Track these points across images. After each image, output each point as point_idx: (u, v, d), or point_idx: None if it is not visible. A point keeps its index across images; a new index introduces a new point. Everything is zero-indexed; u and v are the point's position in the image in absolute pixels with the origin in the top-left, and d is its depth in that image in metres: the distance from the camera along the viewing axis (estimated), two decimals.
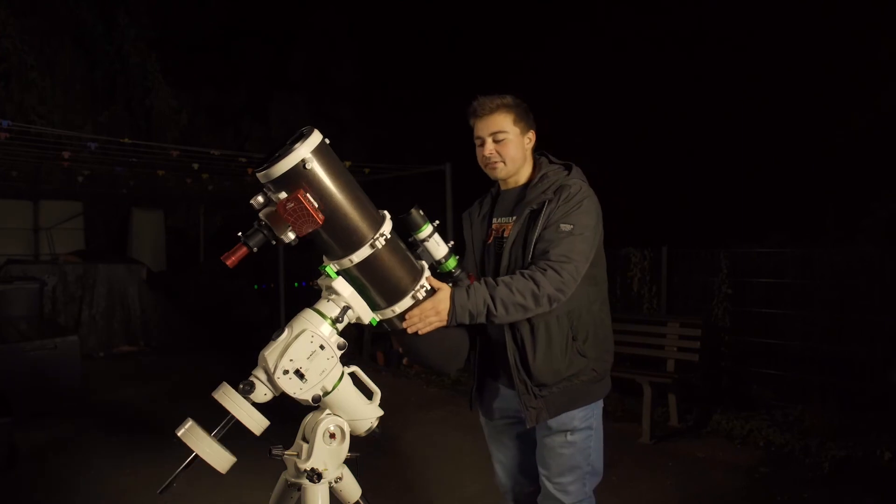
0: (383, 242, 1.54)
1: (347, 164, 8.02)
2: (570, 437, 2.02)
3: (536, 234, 1.94)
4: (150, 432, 5.14)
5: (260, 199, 1.42)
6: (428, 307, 1.69)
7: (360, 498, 1.71)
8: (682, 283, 6.07)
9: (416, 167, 7.78)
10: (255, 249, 1.43)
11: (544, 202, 1.97)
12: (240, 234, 1.43)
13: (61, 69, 10.52)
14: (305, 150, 1.39)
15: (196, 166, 7.50)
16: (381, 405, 1.69)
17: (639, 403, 4.96)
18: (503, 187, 2.15)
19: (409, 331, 1.69)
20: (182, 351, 8.45)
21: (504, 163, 2.03)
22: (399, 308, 1.66)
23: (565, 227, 1.90)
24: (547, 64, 12.84)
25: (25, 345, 5.29)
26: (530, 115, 2.08)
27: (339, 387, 1.58)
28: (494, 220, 2.14)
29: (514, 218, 2.03)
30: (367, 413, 1.63)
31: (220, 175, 8.74)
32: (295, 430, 1.66)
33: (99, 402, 5.81)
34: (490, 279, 1.87)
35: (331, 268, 1.54)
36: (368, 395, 1.67)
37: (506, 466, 2.27)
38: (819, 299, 5.22)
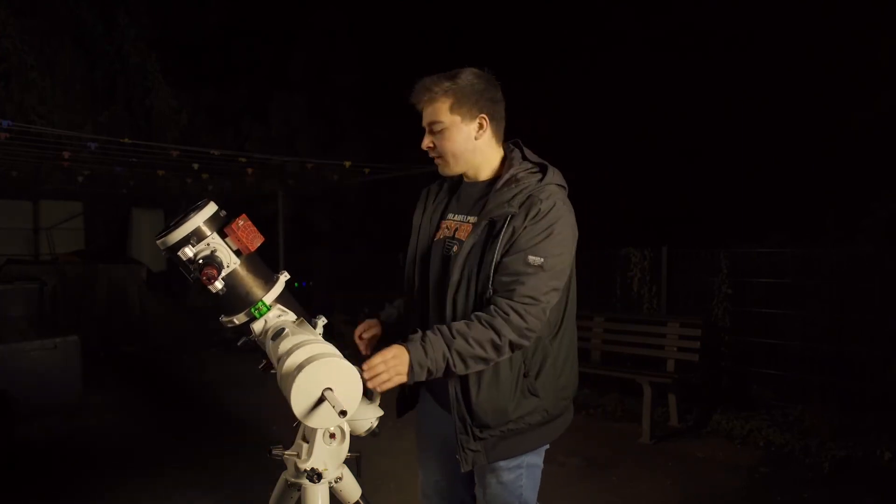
0: (287, 275, 1.65)
1: (347, 164, 8.08)
2: (498, 479, 1.81)
3: (496, 257, 1.66)
4: (150, 432, 5.15)
5: (188, 251, 1.47)
6: (389, 357, 1.55)
7: (360, 498, 1.71)
8: (682, 283, 6.06)
9: (416, 167, 7.78)
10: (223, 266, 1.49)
11: (507, 216, 1.67)
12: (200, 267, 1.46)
13: (61, 69, 10.52)
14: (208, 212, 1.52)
15: (196, 166, 7.50)
16: (381, 405, 1.69)
17: (639, 403, 4.97)
18: (465, 179, 1.87)
19: (372, 385, 1.55)
20: (182, 351, 8.45)
21: (443, 158, 1.77)
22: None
23: (534, 260, 1.62)
24: (547, 64, 12.85)
25: (25, 345, 5.29)
26: (484, 96, 1.74)
27: None
28: (450, 215, 1.86)
29: (473, 221, 1.76)
30: (367, 413, 1.63)
31: (220, 175, 8.75)
32: (294, 431, 1.65)
33: (99, 402, 5.81)
34: (445, 329, 1.61)
35: (262, 301, 1.56)
36: (369, 395, 1.67)
37: (430, 475, 2.05)
38: (819, 299, 5.22)
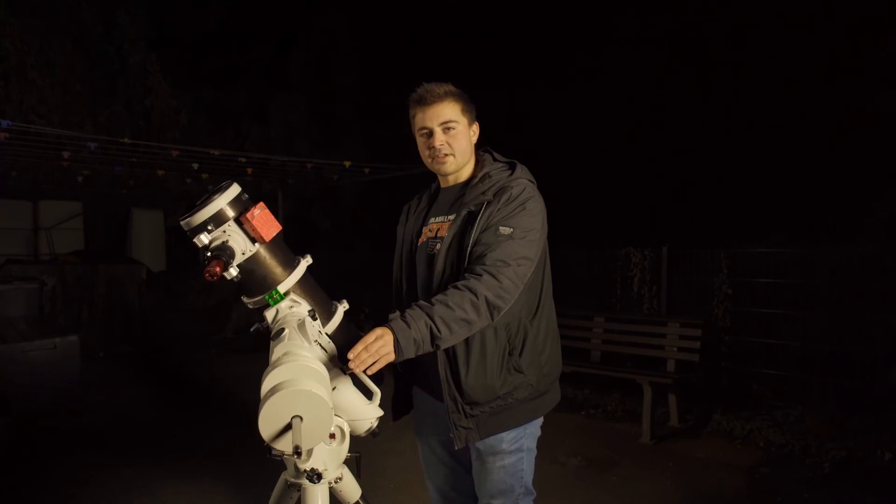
0: (310, 259, 1.65)
1: (347, 164, 8.06)
2: (500, 462, 1.88)
3: (473, 238, 1.78)
4: (150, 432, 5.15)
5: (204, 239, 1.47)
6: (371, 340, 1.53)
7: (360, 498, 1.72)
8: (682, 283, 6.06)
9: (416, 167, 7.78)
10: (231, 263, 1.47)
11: (482, 204, 1.82)
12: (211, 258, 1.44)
13: (61, 69, 10.53)
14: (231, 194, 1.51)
15: (196, 166, 7.50)
16: (381, 405, 1.69)
17: (639, 403, 4.96)
18: (443, 185, 2.01)
19: (358, 369, 1.55)
20: (182, 351, 8.45)
21: (454, 155, 1.90)
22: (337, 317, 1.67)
23: (504, 231, 1.75)
24: (547, 64, 12.85)
25: (25, 345, 5.29)
26: (473, 106, 1.95)
27: (339, 388, 1.58)
28: (431, 219, 1.99)
29: (452, 218, 1.88)
30: (367, 413, 1.63)
31: (220, 175, 8.73)
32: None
33: (99, 402, 5.81)
34: (422, 301, 1.68)
35: (277, 290, 1.55)
36: (368, 395, 1.66)
37: (438, 485, 2.14)
38: (819, 299, 5.22)
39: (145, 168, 8.26)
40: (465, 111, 1.90)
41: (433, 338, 1.61)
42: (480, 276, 1.68)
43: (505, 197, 1.80)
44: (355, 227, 12.90)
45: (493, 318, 1.70)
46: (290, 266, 1.58)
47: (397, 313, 1.62)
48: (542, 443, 2.03)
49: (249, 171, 8.36)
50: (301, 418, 1.34)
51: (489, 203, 1.81)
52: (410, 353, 1.58)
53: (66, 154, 6.70)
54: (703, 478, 4.08)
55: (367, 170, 8.41)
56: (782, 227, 7.58)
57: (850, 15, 9.07)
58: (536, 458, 2.00)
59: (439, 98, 1.86)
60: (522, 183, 1.85)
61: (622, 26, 12.20)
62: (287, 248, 1.61)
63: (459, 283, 1.69)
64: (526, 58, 12.91)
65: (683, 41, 11.28)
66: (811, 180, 9.45)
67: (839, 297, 5.14)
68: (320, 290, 1.66)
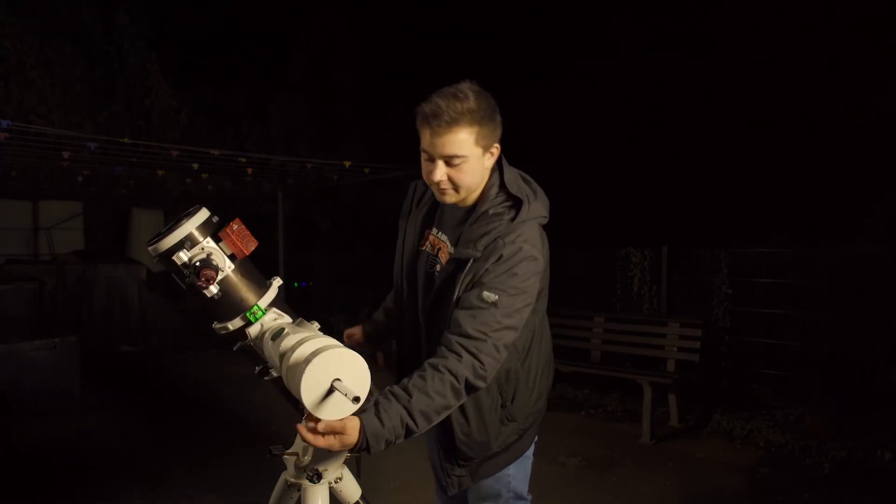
0: (280, 280, 1.62)
1: (347, 164, 8.05)
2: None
3: (459, 291, 1.62)
4: (150, 433, 5.15)
5: (183, 256, 1.46)
6: (329, 434, 1.38)
7: (360, 498, 1.71)
8: (682, 283, 6.07)
9: (415, 167, 7.76)
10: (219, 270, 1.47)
11: (470, 259, 1.62)
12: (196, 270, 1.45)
13: (61, 69, 10.53)
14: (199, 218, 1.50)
15: (196, 166, 7.50)
16: None
17: (639, 403, 4.97)
18: None
19: (309, 440, 1.41)
20: (181, 351, 8.45)
21: (456, 191, 1.66)
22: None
23: (488, 296, 1.56)
24: (547, 64, 12.85)
25: (25, 345, 5.29)
26: (497, 118, 1.62)
27: None
28: (434, 229, 1.82)
29: (451, 249, 1.71)
30: None
31: (220, 175, 8.74)
32: (294, 430, 1.65)
33: (99, 402, 5.81)
34: (398, 389, 1.48)
35: (258, 306, 1.55)
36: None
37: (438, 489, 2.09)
38: (819, 299, 5.22)
39: (145, 168, 8.26)
40: (480, 138, 1.59)
41: (408, 432, 1.47)
42: (461, 356, 1.52)
43: (494, 257, 1.59)
44: (355, 227, 12.89)
45: (468, 397, 1.57)
46: (263, 284, 1.57)
47: (372, 405, 1.45)
48: (542, 443, 2.02)
49: (249, 171, 8.36)
50: (340, 379, 1.37)
51: (476, 260, 1.61)
52: (379, 450, 1.44)
53: (66, 154, 6.69)
54: (703, 478, 4.08)
55: (367, 170, 8.41)
56: (782, 227, 7.59)
57: (850, 15, 9.08)
58: (537, 459, 1.98)
59: (448, 125, 1.55)
60: (520, 233, 1.62)
61: (622, 26, 12.20)
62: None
63: (439, 364, 1.51)
64: (525, 58, 12.92)
65: (683, 41, 11.28)
66: (811, 180, 9.45)
67: (839, 297, 5.14)
68: (293, 311, 1.64)
